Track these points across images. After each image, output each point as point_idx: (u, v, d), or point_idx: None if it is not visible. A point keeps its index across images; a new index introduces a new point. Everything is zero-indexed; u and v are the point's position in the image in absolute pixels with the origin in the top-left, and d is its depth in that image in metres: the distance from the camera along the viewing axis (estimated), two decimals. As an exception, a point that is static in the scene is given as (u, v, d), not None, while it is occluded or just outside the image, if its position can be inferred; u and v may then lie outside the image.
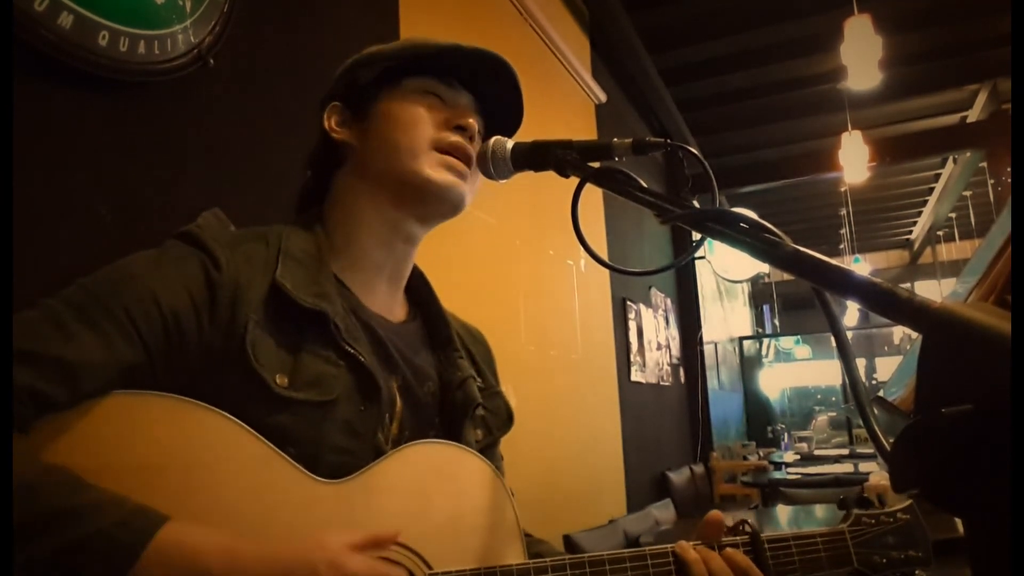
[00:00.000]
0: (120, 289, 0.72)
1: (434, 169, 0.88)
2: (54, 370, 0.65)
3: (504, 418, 1.01)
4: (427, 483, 0.82)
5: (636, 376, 4.83)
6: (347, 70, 0.95)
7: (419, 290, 1.01)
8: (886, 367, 11.79)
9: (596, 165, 0.78)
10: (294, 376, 0.77)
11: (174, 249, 0.80)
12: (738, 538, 0.86)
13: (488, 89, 0.96)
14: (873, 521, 0.89)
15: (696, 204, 0.67)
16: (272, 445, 0.73)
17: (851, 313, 10.53)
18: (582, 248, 0.76)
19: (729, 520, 0.88)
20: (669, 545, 0.84)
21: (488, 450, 0.96)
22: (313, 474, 0.75)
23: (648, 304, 5.40)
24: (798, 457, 6.68)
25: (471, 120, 0.91)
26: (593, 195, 3.33)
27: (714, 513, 0.88)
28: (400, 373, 0.90)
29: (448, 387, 0.95)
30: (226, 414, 0.72)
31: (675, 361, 6.08)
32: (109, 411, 0.68)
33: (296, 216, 0.95)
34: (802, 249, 0.55)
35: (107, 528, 0.60)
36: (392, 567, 0.73)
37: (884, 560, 0.88)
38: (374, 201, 0.91)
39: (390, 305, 0.95)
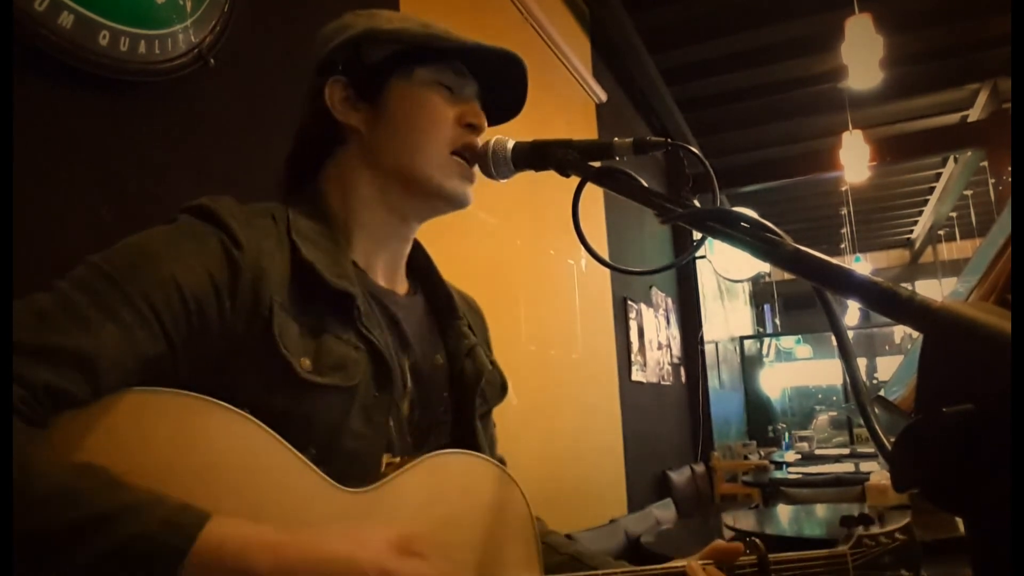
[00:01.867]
0: (138, 272, 0.68)
1: (449, 179, 0.88)
2: (72, 364, 0.61)
3: (498, 388, 1.00)
4: (447, 494, 0.81)
5: (637, 376, 4.83)
6: (350, 42, 0.89)
7: (419, 262, 0.99)
8: (887, 366, 11.78)
9: (597, 165, 0.77)
10: (317, 359, 0.75)
11: (190, 226, 0.75)
12: (745, 559, 0.87)
13: (494, 77, 0.94)
14: (873, 543, 0.93)
15: (697, 203, 0.67)
16: (294, 449, 0.71)
17: (852, 312, 10.53)
18: (583, 247, 0.76)
19: (730, 520, 0.89)
20: (680, 564, 0.85)
21: (483, 418, 0.96)
22: (331, 461, 0.73)
23: (649, 303, 5.40)
24: (799, 456, 6.67)
25: (482, 119, 0.90)
26: (594, 194, 3.33)
27: (736, 544, 0.89)
28: (412, 352, 0.89)
29: (455, 357, 0.94)
30: (246, 414, 0.69)
31: (676, 360, 6.08)
32: (126, 409, 0.64)
33: (287, 192, 0.92)
34: (803, 248, 0.55)
35: (151, 530, 0.57)
36: (433, 566, 0.69)
37: None
38: (379, 189, 0.89)
39: (393, 280, 0.94)
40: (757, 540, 0.87)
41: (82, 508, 0.56)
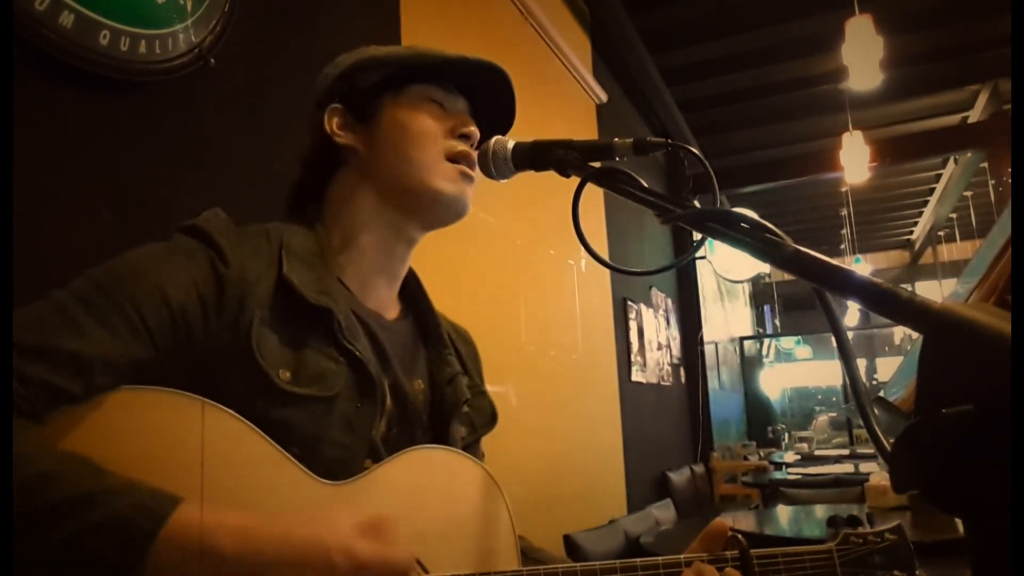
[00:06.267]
0: (129, 283, 0.73)
1: (448, 181, 0.92)
2: (67, 364, 0.66)
3: (488, 417, 1.03)
4: (425, 487, 0.84)
5: (637, 376, 4.83)
6: (345, 73, 0.95)
7: (411, 288, 1.03)
8: (887, 367, 11.79)
9: (597, 165, 0.78)
10: (297, 371, 0.78)
11: (182, 243, 0.80)
12: (728, 553, 0.87)
13: (483, 92, 0.99)
14: (861, 541, 0.91)
15: (697, 204, 0.67)
16: (276, 444, 0.74)
17: (852, 313, 10.52)
18: (583, 248, 0.76)
19: (729, 520, 0.89)
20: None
21: (471, 447, 0.98)
22: (312, 468, 0.76)
23: (649, 304, 5.40)
24: (798, 457, 6.67)
25: (473, 128, 0.94)
26: (594, 195, 3.33)
27: (718, 522, 0.88)
28: (392, 372, 0.91)
29: (437, 384, 0.97)
30: (232, 412, 0.72)
31: (676, 361, 6.08)
32: (119, 405, 0.69)
33: (290, 214, 0.96)
34: (803, 249, 0.55)
35: (122, 511, 0.60)
36: (398, 549, 0.72)
37: None
38: (378, 206, 0.93)
39: (385, 303, 0.97)
40: (739, 535, 0.87)
41: (59, 490, 0.60)
